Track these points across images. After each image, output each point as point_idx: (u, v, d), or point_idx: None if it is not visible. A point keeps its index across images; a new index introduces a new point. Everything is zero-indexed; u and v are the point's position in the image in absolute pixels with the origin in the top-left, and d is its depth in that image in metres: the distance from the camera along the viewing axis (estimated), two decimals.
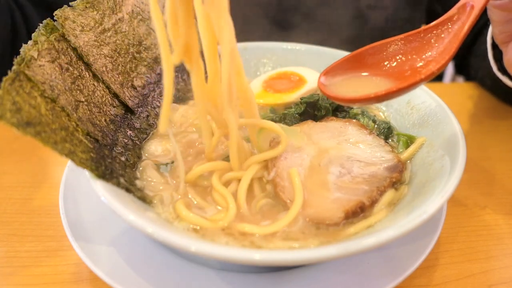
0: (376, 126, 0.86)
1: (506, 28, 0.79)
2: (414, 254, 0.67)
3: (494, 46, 1.02)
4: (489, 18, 0.79)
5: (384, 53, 0.76)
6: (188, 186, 0.71)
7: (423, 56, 0.73)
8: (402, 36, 0.75)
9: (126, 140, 0.78)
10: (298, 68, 1.02)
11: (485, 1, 0.69)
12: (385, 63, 0.76)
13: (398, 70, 0.74)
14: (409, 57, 0.74)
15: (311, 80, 0.97)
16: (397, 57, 0.75)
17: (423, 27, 0.74)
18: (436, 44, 0.73)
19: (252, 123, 0.73)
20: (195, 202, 0.69)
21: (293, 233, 0.64)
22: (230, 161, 0.71)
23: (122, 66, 0.83)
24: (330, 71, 0.77)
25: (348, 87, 0.74)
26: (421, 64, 0.72)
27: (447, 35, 0.72)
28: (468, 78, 1.39)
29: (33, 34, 0.67)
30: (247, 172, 0.71)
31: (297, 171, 0.70)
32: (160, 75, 0.92)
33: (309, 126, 0.83)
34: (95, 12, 0.78)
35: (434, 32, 0.73)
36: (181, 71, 0.96)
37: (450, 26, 0.72)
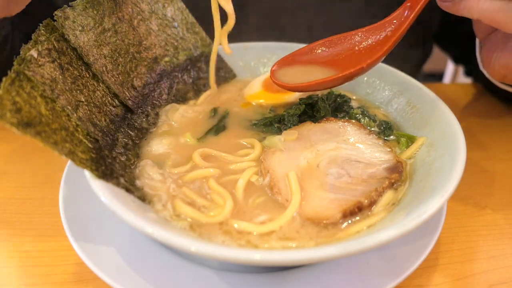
0: (376, 125, 0.87)
1: (480, 26, 0.84)
2: (414, 254, 0.67)
3: None
4: None
5: (334, 47, 0.85)
6: (185, 186, 0.71)
7: (362, 52, 0.82)
8: (351, 32, 0.84)
9: (126, 140, 0.78)
10: None
11: (420, 5, 0.75)
12: (333, 55, 0.84)
13: (342, 62, 0.82)
14: (353, 51, 0.83)
15: None
16: (345, 51, 0.84)
17: (369, 26, 0.82)
18: (374, 41, 0.81)
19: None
20: (193, 200, 0.69)
21: (291, 232, 0.63)
22: None
23: (122, 66, 0.83)
24: (285, 61, 0.85)
25: (296, 76, 0.83)
26: (359, 58, 0.80)
27: (385, 34, 0.80)
28: (477, 79, 1.37)
29: (33, 34, 0.67)
30: (243, 174, 0.72)
31: (294, 173, 0.71)
32: (160, 75, 0.92)
33: (308, 127, 0.83)
34: (95, 12, 0.78)
35: (377, 30, 0.81)
36: (181, 71, 0.96)
37: (388, 26, 0.80)
